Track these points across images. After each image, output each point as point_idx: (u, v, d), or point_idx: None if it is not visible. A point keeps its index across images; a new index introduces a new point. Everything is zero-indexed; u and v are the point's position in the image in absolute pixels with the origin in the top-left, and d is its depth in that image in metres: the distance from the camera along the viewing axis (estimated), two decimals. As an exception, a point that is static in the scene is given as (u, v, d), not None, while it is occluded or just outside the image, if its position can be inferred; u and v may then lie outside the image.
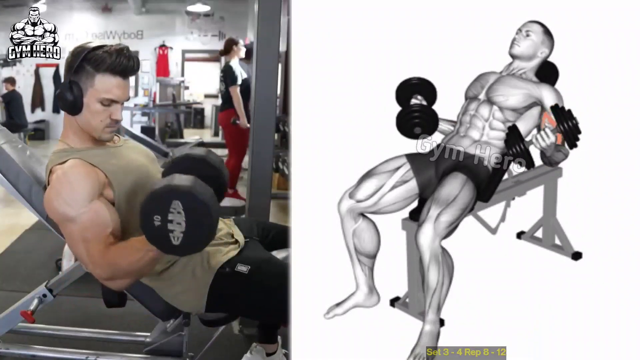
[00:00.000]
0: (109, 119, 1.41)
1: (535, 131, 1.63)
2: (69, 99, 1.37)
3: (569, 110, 1.48)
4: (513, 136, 1.51)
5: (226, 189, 1.47)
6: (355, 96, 1.77)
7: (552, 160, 1.58)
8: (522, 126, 1.62)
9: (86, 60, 1.36)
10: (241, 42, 4.59)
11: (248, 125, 4.21)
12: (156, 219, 1.19)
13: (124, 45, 1.40)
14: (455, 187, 1.47)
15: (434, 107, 1.71)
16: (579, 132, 1.47)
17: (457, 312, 1.51)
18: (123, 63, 1.37)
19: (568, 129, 1.46)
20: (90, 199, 1.34)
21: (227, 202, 3.22)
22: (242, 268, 1.48)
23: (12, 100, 7.78)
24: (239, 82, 4.33)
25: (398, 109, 1.70)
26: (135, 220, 1.44)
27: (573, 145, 1.49)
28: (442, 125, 1.72)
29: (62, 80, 1.42)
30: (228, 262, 1.50)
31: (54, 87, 10.11)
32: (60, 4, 9.55)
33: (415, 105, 1.67)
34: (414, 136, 1.65)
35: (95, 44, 1.40)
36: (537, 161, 1.68)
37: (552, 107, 1.51)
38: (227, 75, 4.39)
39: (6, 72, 9.40)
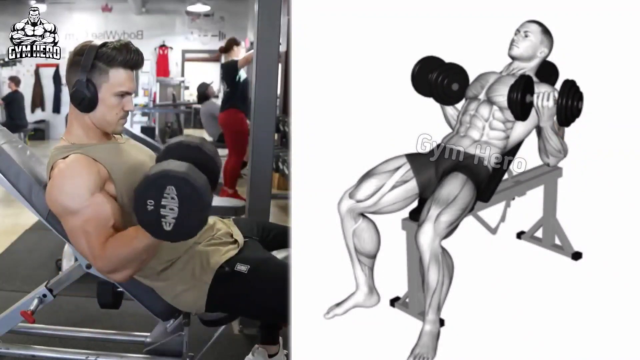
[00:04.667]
0: (122, 111, 1.45)
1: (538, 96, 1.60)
2: (87, 96, 1.40)
3: (581, 94, 1.49)
4: (518, 84, 1.51)
5: (218, 178, 1.45)
6: (355, 96, 1.77)
7: (548, 151, 1.59)
8: (522, 126, 1.63)
9: (97, 57, 1.39)
10: (242, 43, 4.59)
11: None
12: (149, 204, 1.20)
13: (127, 40, 1.45)
14: (455, 187, 1.47)
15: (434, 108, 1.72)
16: (576, 115, 1.49)
17: (457, 312, 1.51)
18: (134, 58, 1.42)
19: (565, 105, 1.48)
20: (91, 192, 1.36)
21: (227, 202, 3.22)
22: (242, 267, 1.48)
23: (14, 100, 7.78)
24: (238, 82, 4.35)
25: (398, 108, 1.70)
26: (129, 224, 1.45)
27: (563, 123, 1.51)
28: (450, 110, 1.73)
29: (67, 79, 1.44)
30: (227, 261, 1.50)
31: (54, 87, 10.11)
32: (60, 4, 9.55)
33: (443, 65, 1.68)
34: (450, 97, 1.68)
35: (97, 41, 1.43)
36: (537, 161, 1.68)
37: (565, 80, 1.51)
38: (228, 71, 4.39)
39: (6, 72, 9.40)
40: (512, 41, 1.65)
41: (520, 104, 1.50)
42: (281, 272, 1.44)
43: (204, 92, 6.05)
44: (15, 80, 7.97)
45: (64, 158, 1.40)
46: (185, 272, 1.49)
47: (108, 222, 1.36)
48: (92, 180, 1.37)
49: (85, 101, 1.41)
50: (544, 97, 1.53)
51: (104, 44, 1.41)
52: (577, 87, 1.49)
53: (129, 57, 1.41)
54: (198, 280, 1.48)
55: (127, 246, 1.32)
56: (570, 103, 1.48)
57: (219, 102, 5.41)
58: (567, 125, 1.52)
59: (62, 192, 1.36)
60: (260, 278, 1.47)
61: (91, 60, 1.39)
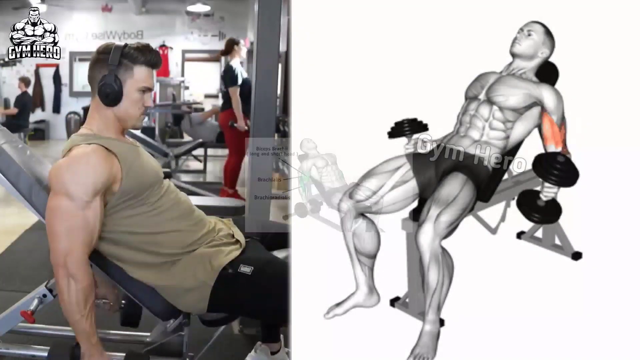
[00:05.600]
0: (143, 106, 1.52)
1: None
2: (115, 90, 1.46)
3: (552, 154, 1.50)
4: (529, 204, 1.51)
5: None
6: (355, 96, 1.77)
7: None
8: (522, 126, 1.63)
9: (122, 55, 1.46)
10: (242, 42, 4.58)
11: (246, 127, 4.21)
12: None
13: (146, 43, 1.54)
14: (455, 187, 1.47)
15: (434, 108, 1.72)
16: (570, 169, 1.47)
17: (457, 312, 1.51)
18: (154, 58, 1.51)
19: (559, 177, 1.47)
20: (94, 190, 1.38)
21: (227, 202, 3.22)
22: (246, 269, 1.48)
23: (22, 102, 7.73)
24: (239, 82, 4.33)
25: (398, 108, 1.70)
26: (127, 221, 1.46)
27: (571, 185, 1.49)
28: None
29: (91, 76, 1.50)
30: (231, 263, 1.50)
31: (54, 87, 10.12)
32: (60, 4, 9.56)
33: (405, 120, 1.70)
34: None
35: (118, 42, 1.51)
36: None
37: (533, 166, 1.51)
38: (227, 76, 4.39)
39: (6, 72, 9.38)
40: (515, 39, 1.65)
41: (552, 210, 1.51)
42: (284, 273, 1.44)
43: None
44: (25, 80, 7.90)
45: (88, 144, 1.43)
46: (187, 273, 1.49)
47: (94, 232, 1.40)
48: (103, 179, 1.39)
49: (112, 95, 1.47)
50: (549, 190, 1.50)
51: (126, 45, 1.48)
52: (540, 160, 1.50)
53: (151, 57, 1.49)
54: (201, 282, 1.48)
55: (71, 309, 1.40)
56: (557, 170, 1.47)
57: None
58: (574, 183, 1.49)
59: (70, 171, 1.39)
60: (263, 279, 1.47)
61: (118, 57, 1.45)
